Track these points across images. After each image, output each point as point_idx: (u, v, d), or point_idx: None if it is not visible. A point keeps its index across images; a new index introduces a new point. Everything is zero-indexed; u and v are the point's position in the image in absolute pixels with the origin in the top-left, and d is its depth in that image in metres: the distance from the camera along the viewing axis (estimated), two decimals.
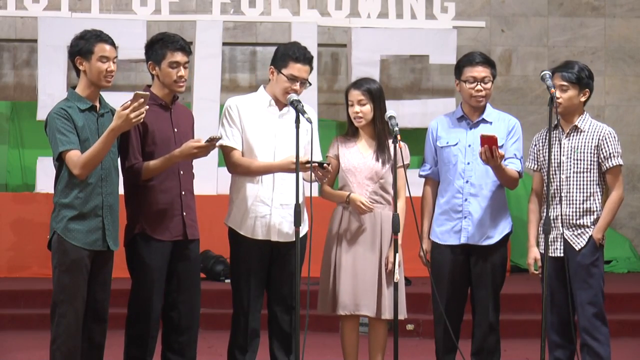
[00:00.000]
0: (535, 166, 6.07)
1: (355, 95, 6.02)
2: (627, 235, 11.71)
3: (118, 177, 5.62)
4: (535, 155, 6.07)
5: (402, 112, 9.88)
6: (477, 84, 6.03)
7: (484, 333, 6.08)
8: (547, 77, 5.81)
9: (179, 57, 5.72)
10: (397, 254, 5.78)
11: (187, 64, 5.77)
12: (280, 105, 5.95)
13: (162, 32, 5.96)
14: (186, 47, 5.76)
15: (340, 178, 6.11)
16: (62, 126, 5.41)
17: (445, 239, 6.09)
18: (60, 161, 5.46)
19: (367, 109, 6.02)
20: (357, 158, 6.05)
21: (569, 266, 5.92)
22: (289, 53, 5.88)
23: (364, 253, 6.00)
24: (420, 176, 6.25)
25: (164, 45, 5.73)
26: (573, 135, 5.98)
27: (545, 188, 6.00)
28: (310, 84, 5.98)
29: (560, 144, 5.96)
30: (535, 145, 6.08)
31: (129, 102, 5.30)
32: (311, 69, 5.94)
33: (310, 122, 5.68)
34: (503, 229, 6.10)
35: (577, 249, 5.92)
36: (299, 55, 5.87)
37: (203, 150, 5.59)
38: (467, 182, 6.05)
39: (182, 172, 5.77)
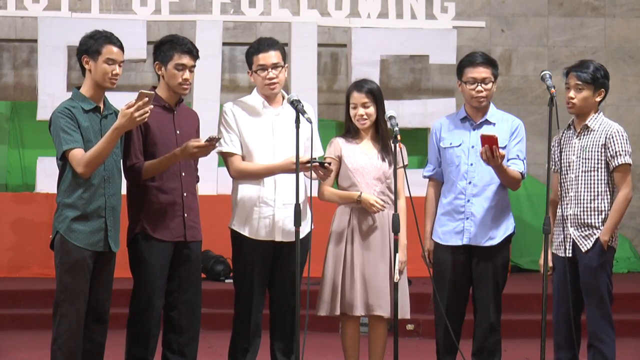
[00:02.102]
0: (555, 167, 6.06)
1: (359, 97, 6.01)
2: (627, 235, 11.70)
3: (121, 179, 5.63)
4: (553, 157, 6.06)
5: (402, 112, 9.89)
6: (477, 85, 6.02)
7: (484, 333, 6.07)
8: (547, 77, 5.80)
9: (186, 60, 5.74)
10: (397, 254, 5.78)
11: (193, 68, 5.79)
12: (275, 104, 5.96)
13: (172, 34, 5.99)
14: (194, 51, 5.78)
15: (345, 178, 6.07)
16: (66, 125, 5.41)
17: (447, 240, 6.09)
18: (63, 160, 5.45)
19: (371, 110, 6.01)
20: (363, 158, 6.04)
21: (578, 267, 5.92)
22: (250, 51, 5.97)
23: (375, 254, 5.98)
24: (424, 177, 6.25)
25: (172, 46, 5.74)
26: (583, 135, 5.98)
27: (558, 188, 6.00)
28: (282, 65, 5.91)
29: (571, 144, 5.97)
30: (554, 146, 6.07)
31: (134, 101, 5.30)
32: (281, 52, 5.93)
33: (310, 122, 5.68)
34: (505, 230, 6.08)
35: (583, 251, 5.91)
36: (258, 46, 5.93)
37: (203, 150, 5.60)
38: (469, 183, 6.04)
39: (183, 174, 5.78)
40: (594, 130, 5.96)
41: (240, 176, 5.94)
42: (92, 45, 5.51)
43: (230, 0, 10.85)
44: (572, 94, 5.91)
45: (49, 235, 5.54)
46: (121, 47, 5.56)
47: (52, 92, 9.95)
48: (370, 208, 5.96)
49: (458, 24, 10.94)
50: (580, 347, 6.03)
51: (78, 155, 5.39)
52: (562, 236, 5.96)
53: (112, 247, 5.53)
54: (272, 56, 5.91)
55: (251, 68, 5.96)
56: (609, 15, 11.97)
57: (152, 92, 5.39)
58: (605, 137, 5.92)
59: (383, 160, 6.02)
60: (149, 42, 10.23)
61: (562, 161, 5.95)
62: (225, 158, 5.97)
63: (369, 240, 6.00)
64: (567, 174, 5.97)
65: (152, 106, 5.35)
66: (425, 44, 10.74)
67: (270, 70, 5.88)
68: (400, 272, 5.89)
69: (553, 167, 6.07)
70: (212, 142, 5.55)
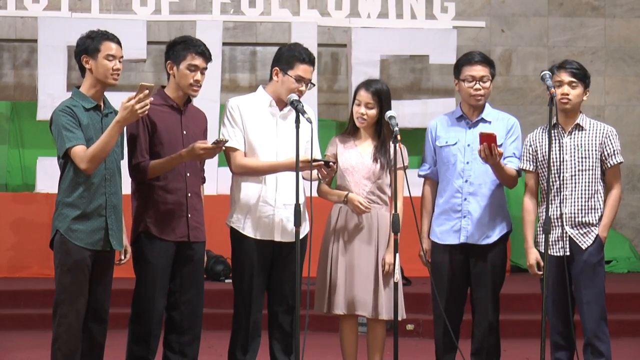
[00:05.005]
0: (531, 167, 6.04)
1: (365, 96, 6.01)
2: (627, 235, 11.71)
3: (121, 178, 5.63)
4: (532, 156, 6.04)
5: (402, 112, 9.89)
6: (475, 83, 6.03)
7: (483, 333, 6.07)
8: (547, 77, 5.80)
9: (199, 61, 5.77)
10: (396, 254, 5.78)
11: (204, 70, 5.81)
12: (281, 105, 5.95)
13: (186, 35, 6.03)
14: (207, 53, 5.82)
15: (339, 177, 6.11)
16: (67, 123, 5.41)
17: (444, 239, 6.09)
18: (65, 158, 5.45)
19: (373, 113, 6.01)
20: (356, 157, 6.05)
21: (573, 265, 5.91)
22: (295, 54, 5.91)
23: (360, 252, 5.99)
24: (420, 176, 6.25)
25: (186, 47, 5.78)
26: (575, 134, 5.97)
27: (544, 188, 5.98)
28: (314, 85, 6.01)
29: (561, 143, 5.95)
30: (531, 145, 6.05)
31: (134, 94, 5.30)
32: (314, 69, 5.97)
33: (310, 122, 5.68)
34: (502, 228, 6.09)
35: (583, 248, 5.91)
36: (305, 56, 5.91)
37: (210, 152, 5.61)
38: (466, 181, 6.05)
39: (188, 174, 5.78)
40: (587, 130, 5.96)
41: (242, 171, 5.93)
42: (91, 44, 5.52)
43: (230, 0, 10.86)
44: (566, 90, 5.91)
45: (49, 235, 5.54)
46: (119, 43, 5.58)
47: (52, 92, 9.96)
48: (354, 209, 5.97)
49: (458, 24, 10.95)
50: (575, 345, 6.01)
51: (81, 151, 5.39)
52: (555, 235, 5.94)
53: (113, 246, 5.53)
54: (312, 72, 5.95)
55: (284, 68, 5.90)
56: (609, 15, 11.98)
57: (153, 84, 5.39)
58: (602, 137, 5.94)
59: (375, 160, 6.01)
60: (149, 42, 10.26)
61: (553, 160, 5.92)
62: (227, 153, 5.96)
63: (354, 240, 6.00)
64: (560, 172, 5.94)
65: (152, 98, 5.35)
66: (425, 44, 10.75)
67: (304, 84, 5.90)
68: (388, 273, 5.90)
69: (528, 166, 6.03)
70: (219, 145, 5.56)
